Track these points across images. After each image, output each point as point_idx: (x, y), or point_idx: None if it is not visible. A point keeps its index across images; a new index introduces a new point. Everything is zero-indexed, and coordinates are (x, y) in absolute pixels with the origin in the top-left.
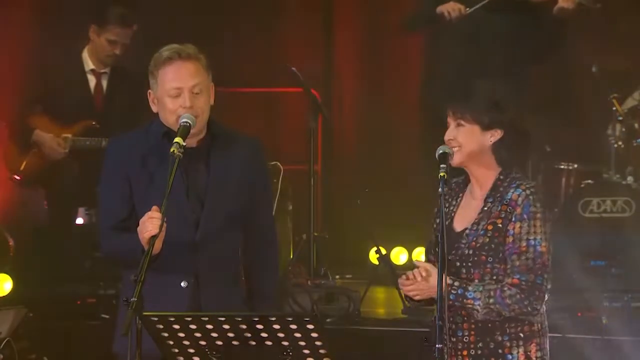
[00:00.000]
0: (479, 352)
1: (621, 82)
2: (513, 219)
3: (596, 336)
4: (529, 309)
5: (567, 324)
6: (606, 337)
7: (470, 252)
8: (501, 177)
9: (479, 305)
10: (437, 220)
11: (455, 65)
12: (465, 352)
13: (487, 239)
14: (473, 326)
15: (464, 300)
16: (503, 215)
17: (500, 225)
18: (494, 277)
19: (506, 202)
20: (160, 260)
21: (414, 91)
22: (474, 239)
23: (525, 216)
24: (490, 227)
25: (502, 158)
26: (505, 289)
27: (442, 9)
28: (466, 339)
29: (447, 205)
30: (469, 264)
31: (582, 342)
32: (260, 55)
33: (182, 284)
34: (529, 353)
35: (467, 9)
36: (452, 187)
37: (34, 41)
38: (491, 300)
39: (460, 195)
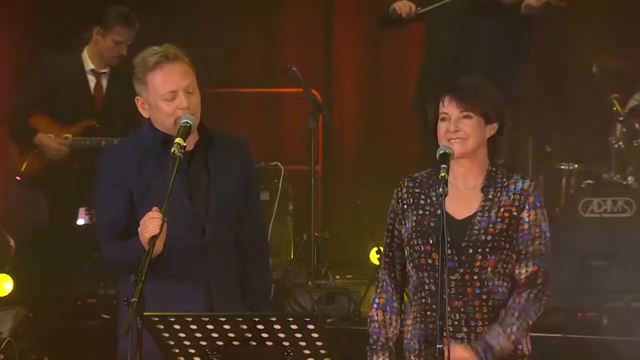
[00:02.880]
0: None
1: (621, 82)
2: (527, 207)
3: (596, 336)
4: (544, 299)
5: (567, 324)
6: (606, 337)
7: (489, 237)
8: (493, 168)
9: (515, 329)
10: (425, 212)
11: (441, 66)
12: None
13: (505, 226)
14: (486, 316)
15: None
16: (517, 204)
17: (515, 213)
18: (504, 265)
19: (518, 191)
20: (171, 266)
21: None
22: (490, 225)
23: (537, 204)
24: (507, 215)
25: (496, 151)
26: (517, 299)
27: (394, 5)
28: (480, 329)
29: (424, 198)
30: (487, 250)
31: (582, 342)
32: (261, 55)
33: (194, 288)
34: (528, 345)
35: (419, 8)
36: (420, 182)
37: (33, 41)
38: (521, 320)
39: (446, 188)
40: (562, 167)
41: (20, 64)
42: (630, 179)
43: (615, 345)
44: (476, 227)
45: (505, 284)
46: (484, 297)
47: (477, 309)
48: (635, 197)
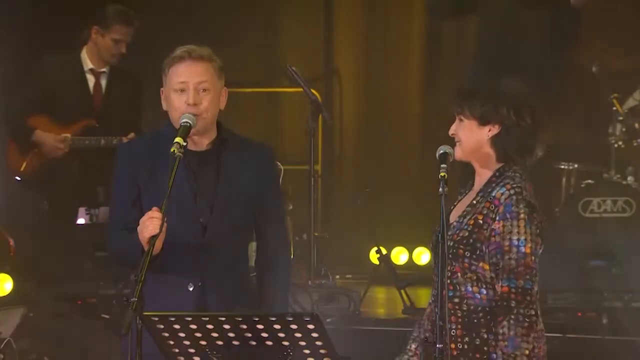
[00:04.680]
0: (465, 346)
1: (621, 82)
2: (497, 218)
3: (596, 336)
4: (527, 320)
5: (567, 324)
6: (606, 337)
7: (451, 244)
8: (497, 174)
9: None
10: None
11: (492, 60)
12: (453, 346)
13: (467, 233)
14: (460, 320)
15: None
16: (485, 212)
17: (480, 222)
18: (473, 273)
19: (490, 199)
20: (167, 262)
21: (414, 91)
22: (457, 231)
23: (507, 215)
24: (472, 222)
25: (500, 154)
26: (500, 335)
27: None
28: (453, 332)
29: (453, 202)
30: (450, 256)
31: (582, 342)
32: (260, 55)
33: (189, 287)
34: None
35: None
36: (468, 185)
37: (33, 41)
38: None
39: (468, 191)
40: (562, 167)
41: (19, 64)
42: (630, 179)
43: (615, 345)
44: (450, 233)
45: (483, 290)
46: (456, 300)
47: (452, 312)
48: (635, 197)
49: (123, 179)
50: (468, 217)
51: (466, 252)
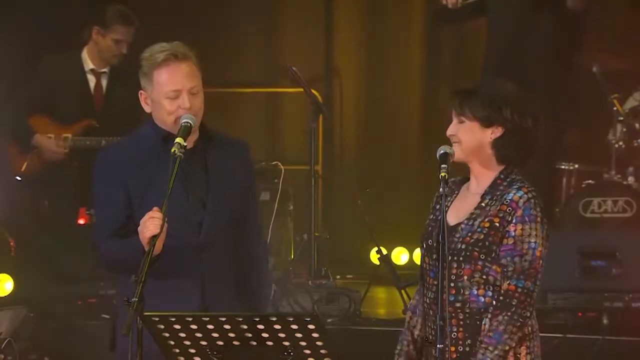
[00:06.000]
0: (467, 349)
1: (621, 82)
2: (513, 221)
3: (596, 336)
4: (520, 320)
5: (567, 324)
6: (606, 337)
7: (463, 246)
8: (501, 176)
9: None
10: (431, 217)
11: (500, 60)
12: (453, 349)
13: (482, 236)
14: (461, 322)
15: None
16: (501, 215)
17: (497, 225)
18: (484, 277)
19: (506, 202)
20: (166, 263)
21: (414, 91)
22: (469, 234)
23: (526, 218)
24: (486, 225)
25: (501, 156)
26: (489, 325)
27: None
28: (454, 334)
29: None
30: (461, 259)
31: (582, 342)
32: (260, 55)
33: (190, 285)
34: (518, 356)
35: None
36: (449, 186)
37: (33, 41)
38: (496, 352)
39: (457, 192)
40: (563, 167)
41: (20, 64)
42: (630, 179)
43: (615, 345)
44: (457, 235)
45: (488, 293)
46: (458, 305)
47: (453, 315)
48: (636, 197)
49: (109, 181)
50: (480, 220)
51: (481, 255)
